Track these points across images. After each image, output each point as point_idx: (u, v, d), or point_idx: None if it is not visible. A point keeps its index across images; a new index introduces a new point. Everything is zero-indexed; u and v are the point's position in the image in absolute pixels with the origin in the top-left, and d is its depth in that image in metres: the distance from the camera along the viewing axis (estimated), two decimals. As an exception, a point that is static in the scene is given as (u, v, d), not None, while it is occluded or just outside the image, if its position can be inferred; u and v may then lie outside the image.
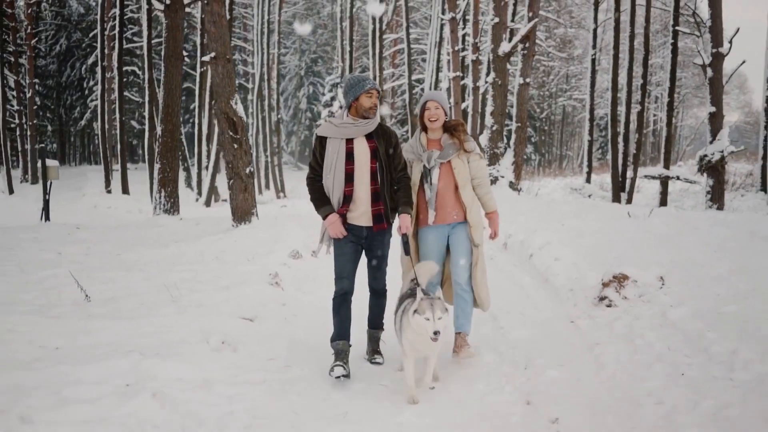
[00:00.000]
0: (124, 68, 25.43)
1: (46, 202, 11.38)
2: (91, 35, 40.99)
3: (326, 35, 51.63)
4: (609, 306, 5.27)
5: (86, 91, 42.84)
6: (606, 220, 9.54)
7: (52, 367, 3.73)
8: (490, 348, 4.65)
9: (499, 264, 7.74)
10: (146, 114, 21.75)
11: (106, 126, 27.52)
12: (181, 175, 15.20)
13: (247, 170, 9.26)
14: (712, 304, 4.88)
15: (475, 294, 4.45)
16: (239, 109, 9.11)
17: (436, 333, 3.48)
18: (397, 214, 4.19)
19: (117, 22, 25.10)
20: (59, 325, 4.60)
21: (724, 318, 4.55)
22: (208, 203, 20.75)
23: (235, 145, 9.12)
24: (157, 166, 11.88)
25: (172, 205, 11.82)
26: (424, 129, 4.43)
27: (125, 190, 26.07)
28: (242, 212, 9.27)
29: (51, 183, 11.39)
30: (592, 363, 4.21)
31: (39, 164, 11.16)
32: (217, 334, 4.29)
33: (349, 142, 4.05)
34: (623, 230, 8.53)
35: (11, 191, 25.48)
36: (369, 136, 4.09)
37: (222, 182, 25.31)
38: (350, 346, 4.17)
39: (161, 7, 11.51)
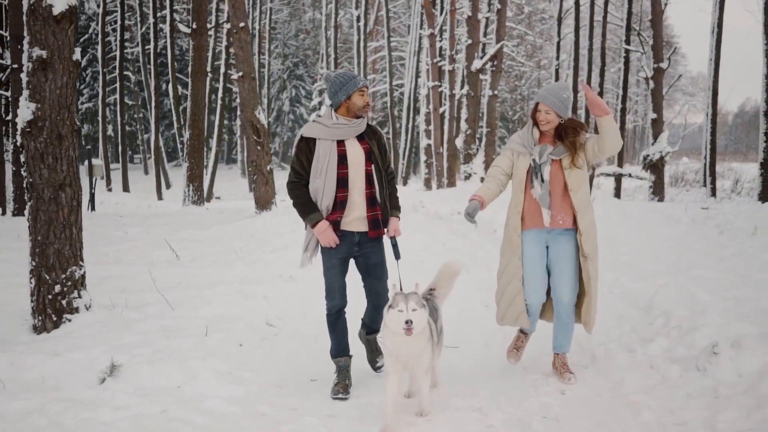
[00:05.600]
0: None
1: (92, 195, 13.41)
2: (82, 40, 42.49)
3: (308, 40, 53.66)
4: (546, 260, 7.54)
5: (74, 95, 44.11)
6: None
7: (184, 291, 5.87)
8: (461, 284, 6.86)
9: (470, 236, 10.00)
10: (152, 119, 23.65)
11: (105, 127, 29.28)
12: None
13: (268, 167, 11.39)
14: (615, 257, 7.21)
15: (582, 315, 4.01)
16: (262, 117, 11.24)
17: (407, 322, 3.25)
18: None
19: (118, 32, 26.95)
20: (169, 272, 6.72)
21: (619, 264, 6.88)
22: (208, 200, 22.72)
23: (258, 147, 11.25)
24: (185, 165, 13.97)
25: (198, 197, 13.91)
26: (536, 123, 3.95)
27: (126, 188, 27.95)
28: (264, 201, 11.41)
29: (96, 179, 13.40)
30: (528, 288, 6.47)
31: (86, 163, 13.12)
32: (284, 273, 6.46)
33: (341, 144, 3.82)
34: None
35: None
36: (360, 137, 3.88)
37: (215, 183, 27.12)
38: (351, 356, 4.13)
39: (188, 30, 13.54)
